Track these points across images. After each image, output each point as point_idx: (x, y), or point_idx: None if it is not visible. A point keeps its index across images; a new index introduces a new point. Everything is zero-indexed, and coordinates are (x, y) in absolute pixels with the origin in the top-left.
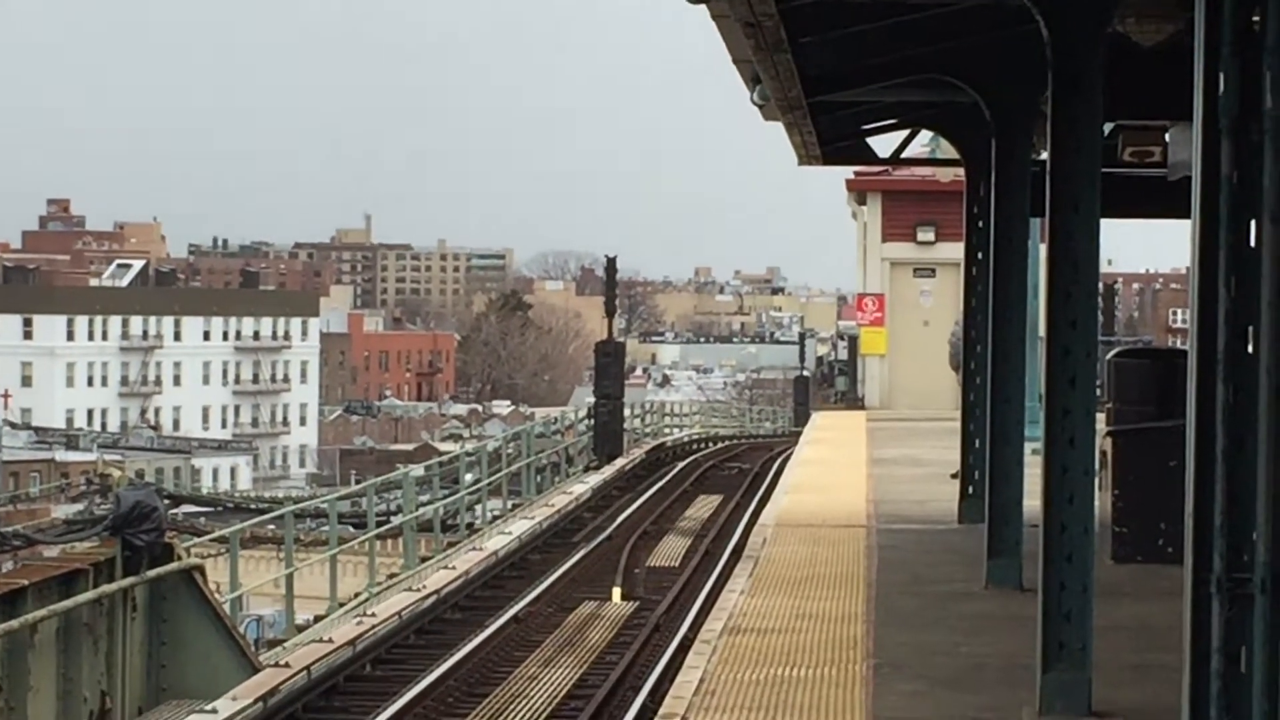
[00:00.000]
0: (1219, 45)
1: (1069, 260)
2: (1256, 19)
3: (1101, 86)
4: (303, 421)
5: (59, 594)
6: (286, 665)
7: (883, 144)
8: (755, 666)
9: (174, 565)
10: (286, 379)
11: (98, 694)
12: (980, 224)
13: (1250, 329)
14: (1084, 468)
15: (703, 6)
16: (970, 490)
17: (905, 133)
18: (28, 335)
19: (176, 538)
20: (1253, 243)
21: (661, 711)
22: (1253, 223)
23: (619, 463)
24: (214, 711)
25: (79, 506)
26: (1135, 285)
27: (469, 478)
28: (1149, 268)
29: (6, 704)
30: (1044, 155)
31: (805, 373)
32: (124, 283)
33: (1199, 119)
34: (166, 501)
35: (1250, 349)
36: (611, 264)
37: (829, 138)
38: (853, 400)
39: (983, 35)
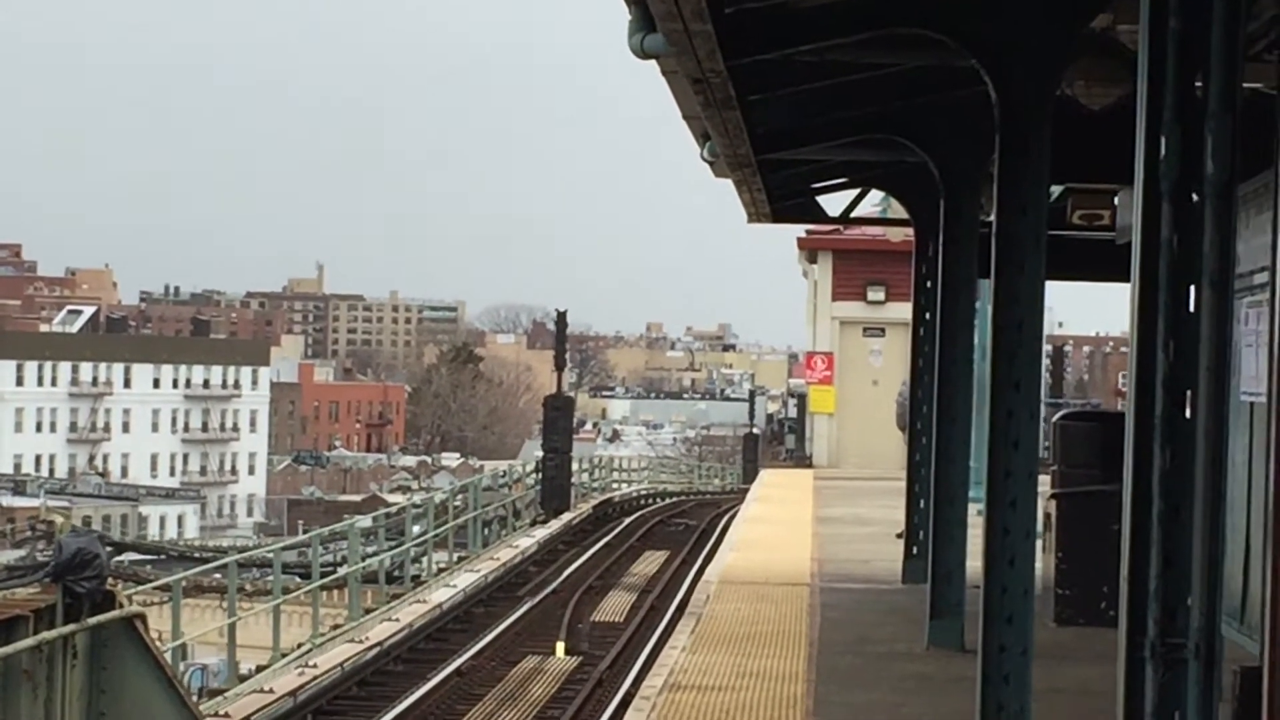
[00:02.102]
0: (1161, 109)
1: (1013, 322)
2: (1199, 84)
3: (1049, 149)
4: (251, 470)
5: None
6: (227, 716)
7: (834, 203)
8: None
9: (115, 613)
10: (236, 428)
11: None
12: (928, 284)
13: (1188, 394)
14: (1025, 530)
15: (654, 61)
16: (914, 550)
17: (855, 192)
18: None
19: (118, 585)
20: (1191, 307)
21: None
22: (1192, 287)
23: (566, 517)
24: None
25: (21, 552)
26: (1085, 348)
27: (416, 529)
28: (1099, 331)
29: None
30: (993, 216)
31: (755, 430)
32: (74, 329)
33: (1140, 182)
34: (110, 549)
35: (1188, 414)
36: (561, 318)
37: (779, 195)
38: (801, 458)
39: (932, 96)
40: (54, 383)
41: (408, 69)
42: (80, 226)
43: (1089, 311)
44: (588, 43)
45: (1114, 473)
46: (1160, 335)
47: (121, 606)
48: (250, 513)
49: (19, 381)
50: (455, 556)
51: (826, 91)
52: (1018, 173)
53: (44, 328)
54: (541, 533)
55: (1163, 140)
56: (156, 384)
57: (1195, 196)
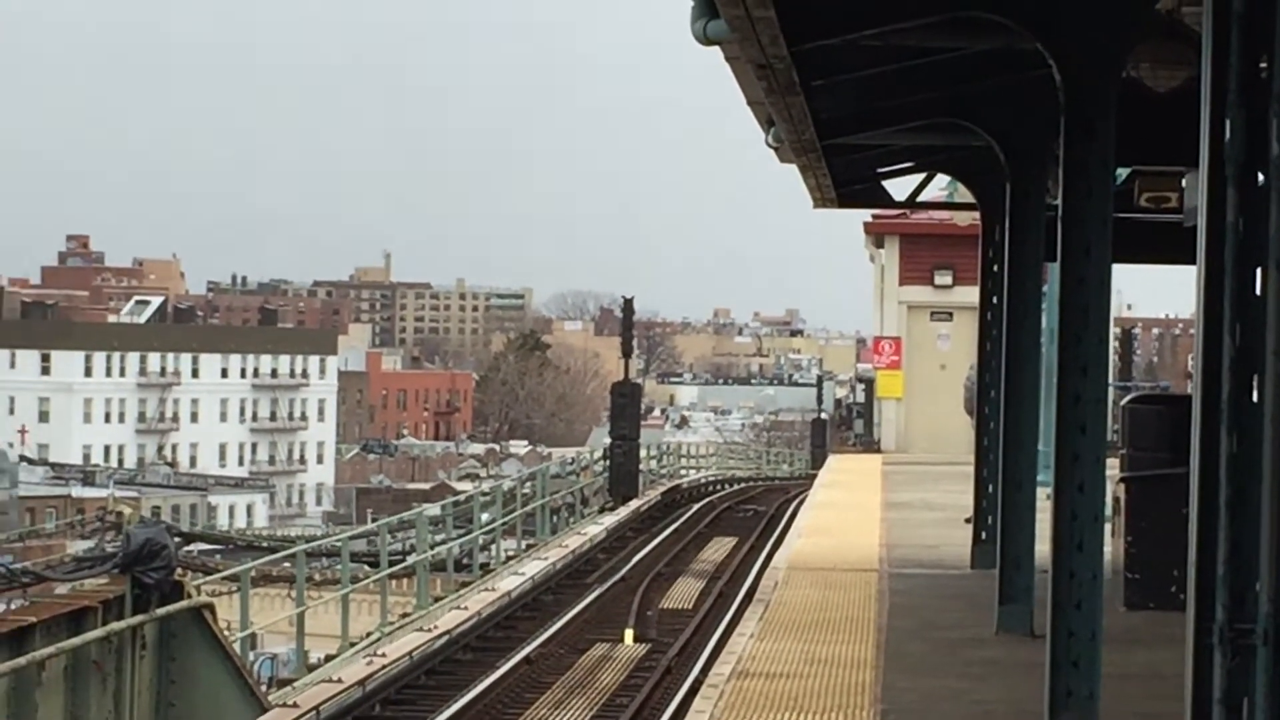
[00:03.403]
0: (1225, 91)
1: (1080, 306)
2: (1264, 65)
3: (1114, 131)
4: (320, 459)
5: (67, 631)
6: (295, 705)
7: (900, 187)
8: (762, 712)
9: (184, 603)
10: (304, 417)
11: None
12: (995, 268)
13: (1255, 377)
14: (1093, 514)
15: (717, 48)
16: (983, 535)
17: (921, 176)
18: (46, 371)
19: (186, 576)
20: (1258, 290)
21: None
22: (1258, 270)
23: (634, 504)
24: None
25: (89, 543)
26: (1155, 330)
27: (484, 517)
28: (1169, 313)
29: None
30: (1059, 200)
31: (823, 415)
32: (142, 319)
33: (1205, 165)
34: (178, 539)
35: (1255, 397)
36: (628, 304)
37: (844, 180)
38: (869, 443)
39: (997, 79)
40: (122, 373)
41: (476, 56)
42: (148, 217)
43: (1159, 293)
44: (653, 27)
45: (1183, 456)
46: (1226, 318)
47: (190, 597)
48: (319, 502)
49: (87, 372)
50: (524, 544)
51: (890, 76)
52: (1083, 156)
53: (112, 318)
54: (610, 520)
55: (1227, 123)
56: (224, 374)
57: (1261, 179)
